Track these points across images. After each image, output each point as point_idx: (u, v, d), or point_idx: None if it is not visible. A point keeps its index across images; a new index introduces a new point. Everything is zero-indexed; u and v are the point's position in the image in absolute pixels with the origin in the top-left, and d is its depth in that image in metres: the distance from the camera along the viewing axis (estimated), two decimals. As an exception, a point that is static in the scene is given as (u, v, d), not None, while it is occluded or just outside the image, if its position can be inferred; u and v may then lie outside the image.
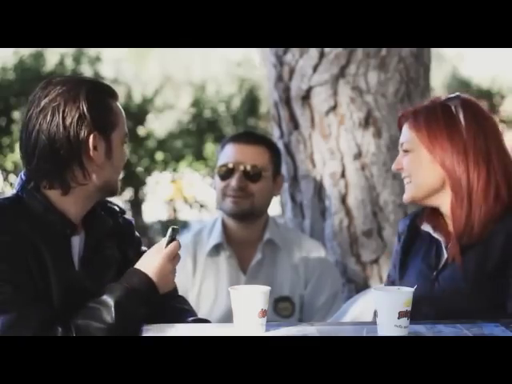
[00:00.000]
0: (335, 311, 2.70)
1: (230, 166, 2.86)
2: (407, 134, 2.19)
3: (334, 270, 2.98)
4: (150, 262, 1.99)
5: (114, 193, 2.09)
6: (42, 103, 1.97)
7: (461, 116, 2.15)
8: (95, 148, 1.98)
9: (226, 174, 2.86)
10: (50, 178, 1.98)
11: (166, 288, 2.00)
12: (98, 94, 2.00)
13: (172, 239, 2.01)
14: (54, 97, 1.96)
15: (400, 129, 2.24)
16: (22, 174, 2.03)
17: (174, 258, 2.02)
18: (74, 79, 2.04)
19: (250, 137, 2.97)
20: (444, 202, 2.17)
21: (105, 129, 1.99)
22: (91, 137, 1.96)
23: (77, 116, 1.95)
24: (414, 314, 1.96)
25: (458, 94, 2.22)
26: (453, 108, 2.16)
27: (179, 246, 2.02)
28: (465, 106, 2.17)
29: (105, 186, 2.03)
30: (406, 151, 2.19)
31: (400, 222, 2.37)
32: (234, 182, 2.83)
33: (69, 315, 1.90)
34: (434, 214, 2.22)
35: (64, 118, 1.95)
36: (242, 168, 2.85)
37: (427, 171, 2.15)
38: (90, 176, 1.99)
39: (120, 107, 2.05)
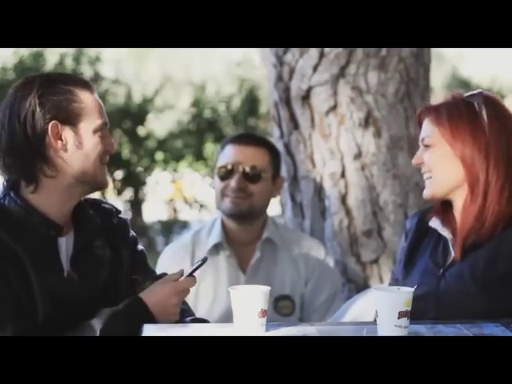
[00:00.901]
0: (335, 310, 2.70)
1: (230, 166, 2.85)
2: (429, 128, 2.18)
3: (333, 270, 2.98)
4: (155, 293, 1.99)
5: (101, 186, 2.07)
6: (4, 104, 2.00)
7: (483, 113, 2.14)
8: (59, 138, 1.97)
9: (226, 174, 2.85)
10: (17, 174, 1.99)
11: (166, 320, 1.99)
12: (53, 85, 1.99)
13: (196, 269, 2.03)
14: (11, 94, 2.00)
15: (420, 124, 2.23)
16: (4, 181, 2.03)
17: (183, 291, 2.02)
18: (30, 76, 2.05)
19: (250, 138, 2.97)
20: (460, 197, 2.17)
21: (69, 118, 1.98)
22: (49, 127, 1.96)
23: (30, 109, 1.96)
24: (418, 311, 1.98)
25: (480, 90, 2.21)
26: (476, 105, 2.15)
27: (194, 283, 2.03)
28: (487, 104, 2.16)
29: (83, 178, 2.00)
30: (426, 146, 2.18)
31: (408, 220, 2.37)
32: (233, 182, 2.83)
33: (53, 329, 1.88)
34: (444, 210, 2.22)
35: (19, 114, 1.97)
36: (241, 169, 2.84)
37: (448, 166, 2.15)
38: (58, 167, 1.98)
39: (92, 96, 2.03)
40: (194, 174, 10.30)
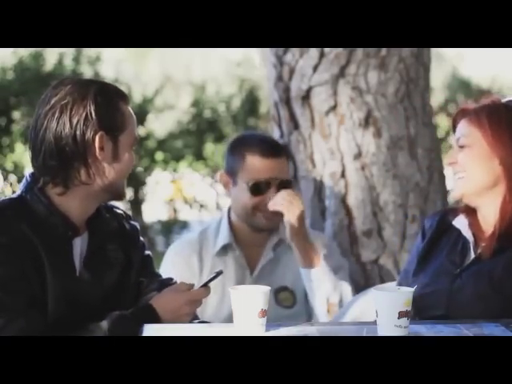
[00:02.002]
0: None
1: (265, 181, 2.80)
2: (466, 129, 2.20)
3: (335, 249, 2.96)
4: (167, 301, 2.01)
5: (120, 197, 2.10)
6: (52, 101, 1.98)
7: None
8: (102, 148, 1.98)
9: (261, 190, 2.80)
10: (54, 175, 1.98)
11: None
12: (107, 95, 2.00)
13: (210, 281, 2.03)
14: (63, 95, 1.97)
15: (454, 125, 2.26)
16: (28, 175, 2.04)
17: (195, 302, 2.03)
18: (84, 80, 2.07)
19: (276, 149, 2.87)
20: (489, 202, 2.19)
21: (113, 130, 1.99)
22: (97, 137, 1.97)
23: (84, 115, 1.96)
24: (428, 307, 1.98)
25: None
26: None
27: (208, 293, 2.04)
28: None
29: (109, 188, 2.02)
30: (461, 146, 2.20)
31: (426, 219, 2.38)
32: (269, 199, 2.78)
33: (62, 328, 1.89)
34: (472, 212, 2.23)
35: (71, 117, 1.96)
36: (277, 183, 2.80)
37: (483, 167, 2.17)
38: (94, 176, 1.99)
39: (131, 111, 2.05)
40: (194, 174, 10.29)
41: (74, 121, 1.95)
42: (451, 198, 2.27)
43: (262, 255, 2.88)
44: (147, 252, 2.24)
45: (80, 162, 1.97)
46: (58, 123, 1.96)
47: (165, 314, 1.99)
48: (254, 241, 2.89)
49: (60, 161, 1.96)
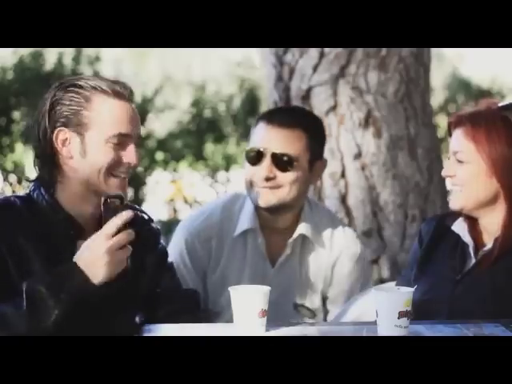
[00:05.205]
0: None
1: (259, 150, 2.50)
2: (464, 143, 2.17)
3: (367, 269, 2.72)
4: (87, 254, 1.86)
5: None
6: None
7: None
8: (64, 144, 1.98)
9: (255, 159, 2.52)
10: (40, 174, 2.03)
11: (97, 277, 1.85)
12: (70, 91, 1.99)
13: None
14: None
15: (450, 130, 2.23)
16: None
17: (114, 249, 1.86)
18: (65, 79, 2.06)
19: (285, 117, 2.55)
20: (489, 212, 2.18)
21: (77, 127, 1.98)
22: (56, 132, 1.98)
23: (43, 114, 2.00)
24: (430, 313, 1.98)
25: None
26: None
27: (129, 237, 1.87)
28: None
29: (88, 186, 1.99)
30: (461, 161, 2.17)
31: (423, 224, 2.37)
32: (261, 170, 2.50)
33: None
34: (471, 217, 2.22)
35: (38, 117, 2.01)
36: (270, 155, 2.49)
37: (484, 184, 2.16)
38: (65, 174, 1.99)
39: (115, 105, 2.03)
40: (194, 174, 10.30)
41: (38, 121, 2.01)
42: (450, 208, 2.24)
43: (284, 250, 2.60)
44: (169, 260, 2.20)
45: (49, 160, 2.00)
46: (32, 125, 2.02)
47: (87, 268, 1.84)
48: (275, 227, 2.58)
49: (38, 159, 2.02)
